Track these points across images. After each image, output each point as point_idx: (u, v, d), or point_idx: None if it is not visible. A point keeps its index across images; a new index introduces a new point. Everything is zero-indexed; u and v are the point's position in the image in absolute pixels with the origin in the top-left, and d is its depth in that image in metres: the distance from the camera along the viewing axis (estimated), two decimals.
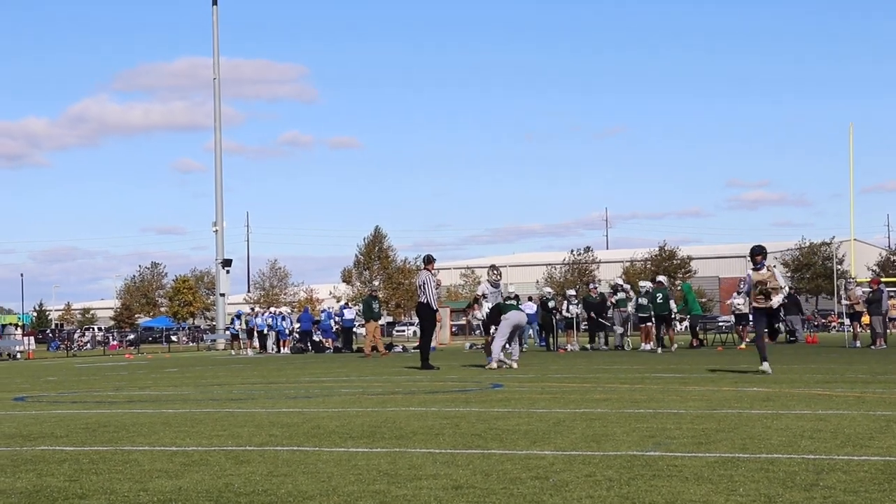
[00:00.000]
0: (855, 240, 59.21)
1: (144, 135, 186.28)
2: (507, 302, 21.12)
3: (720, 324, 42.60)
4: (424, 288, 21.42)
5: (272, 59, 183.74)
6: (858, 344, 30.53)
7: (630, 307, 32.73)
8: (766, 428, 8.37)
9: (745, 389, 12.82)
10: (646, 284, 33.74)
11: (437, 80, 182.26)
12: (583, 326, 34.20)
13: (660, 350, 29.87)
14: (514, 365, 20.37)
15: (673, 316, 31.65)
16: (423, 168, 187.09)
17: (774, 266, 17.07)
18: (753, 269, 16.92)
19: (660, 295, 31.25)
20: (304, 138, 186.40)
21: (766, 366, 16.63)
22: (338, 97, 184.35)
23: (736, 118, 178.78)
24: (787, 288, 16.89)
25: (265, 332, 43.59)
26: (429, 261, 22.02)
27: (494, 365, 20.05)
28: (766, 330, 16.95)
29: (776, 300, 16.70)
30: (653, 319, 30.92)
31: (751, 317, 31.70)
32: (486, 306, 21.36)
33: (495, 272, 21.80)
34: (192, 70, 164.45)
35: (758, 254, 16.83)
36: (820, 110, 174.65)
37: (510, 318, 20.31)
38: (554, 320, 34.58)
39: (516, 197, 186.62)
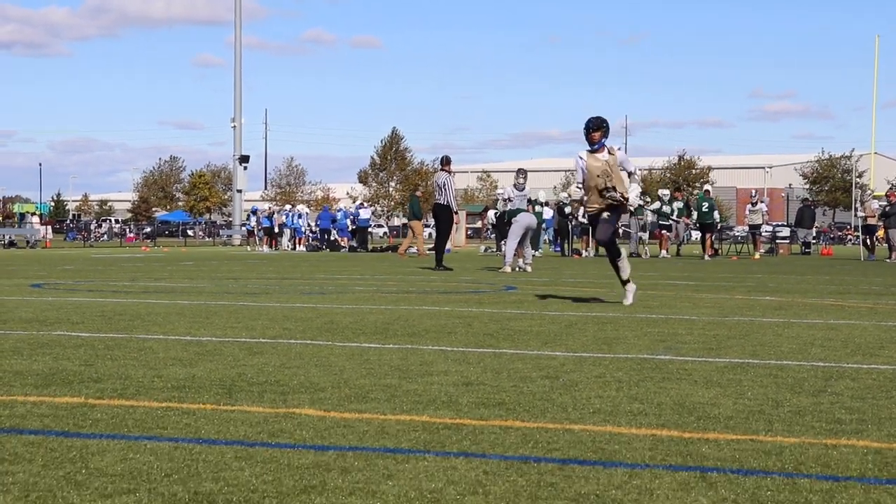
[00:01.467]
0: (876, 153, 58.71)
1: (166, 27, 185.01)
2: (520, 208, 21.08)
3: (735, 234, 42.57)
4: (445, 189, 21.34)
5: None
6: (874, 257, 30.49)
7: (649, 214, 32.69)
8: (777, 336, 8.40)
9: (758, 298, 12.85)
10: (665, 192, 33.71)
11: None
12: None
13: (706, 257, 30.20)
14: (528, 269, 20.43)
15: (716, 225, 32.01)
16: (443, 71, 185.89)
17: (619, 148, 11.94)
18: (589, 152, 11.69)
19: (706, 204, 31.50)
20: (327, 36, 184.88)
21: (629, 293, 11.75)
22: None
23: (761, 29, 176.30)
24: (637, 174, 12.15)
25: (277, 229, 43.74)
26: (446, 161, 21.87)
27: (508, 269, 20.09)
28: (607, 240, 11.77)
29: (632, 197, 11.93)
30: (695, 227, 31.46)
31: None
32: (501, 209, 21.47)
33: (521, 176, 21.66)
34: None
35: (595, 129, 11.59)
36: (846, 22, 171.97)
37: (520, 221, 20.37)
38: (570, 226, 34.58)
39: (536, 102, 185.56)
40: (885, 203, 30.78)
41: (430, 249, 33.76)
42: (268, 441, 4.38)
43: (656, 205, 32.94)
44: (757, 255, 31.57)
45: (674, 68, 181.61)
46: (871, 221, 32.01)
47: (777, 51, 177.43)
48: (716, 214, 31.93)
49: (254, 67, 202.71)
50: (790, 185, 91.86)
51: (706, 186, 34.82)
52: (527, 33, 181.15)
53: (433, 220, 22.27)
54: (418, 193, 34.71)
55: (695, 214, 32.73)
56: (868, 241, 32.38)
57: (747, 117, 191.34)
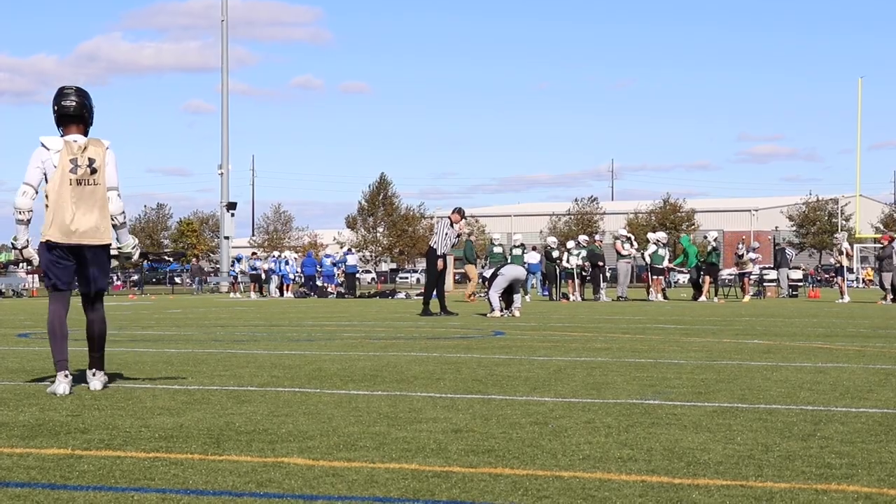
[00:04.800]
0: (861, 196, 59.11)
1: (155, 75, 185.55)
2: (513, 254, 21.24)
3: (723, 277, 42.68)
4: (436, 233, 21.47)
5: (287, 1, 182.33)
6: (847, 299, 30.58)
7: (647, 256, 32.74)
8: (766, 379, 8.40)
9: (746, 342, 12.86)
10: (660, 236, 33.88)
11: (452, 27, 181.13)
12: (587, 277, 34.23)
13: (716, 300, 30.69)
14: (517, 313, 20.43)
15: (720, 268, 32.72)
16: (432, 116, 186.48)
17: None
18: None
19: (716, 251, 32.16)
20: (315, 82, 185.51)
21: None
22: (352, 42, 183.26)
23: (748, 72, 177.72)
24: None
25: (263, 276, 43.78)
26: (454, 212, 21.97)
27: (498, 314, 20.15)
28: None
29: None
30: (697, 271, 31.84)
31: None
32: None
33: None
34: (205, 10, 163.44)
35: None
36: (831, 64, 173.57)
37: (506, 274, 20.54)
38: (557, 270, 34.60)
39: (524, 146, 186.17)
40: (880, 246, 30.95)
41: (417, 295, 33.73)
42: (256, 491, 4.35)
43: (651, 248, 32.97)
44: (746, 299, 31.62)
45: (661, 112, 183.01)
46: (844, 263, 32.29)
47: (764, 93, 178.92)
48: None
49: (242, 114, 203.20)
50: (776, 227, 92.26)
51: (713, 233, 35.47)
52: (515, 78, 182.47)
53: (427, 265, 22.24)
54: (472, 238, 34.71)
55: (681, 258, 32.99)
56: (840, 283, 32.62)
57: (735, 160, 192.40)
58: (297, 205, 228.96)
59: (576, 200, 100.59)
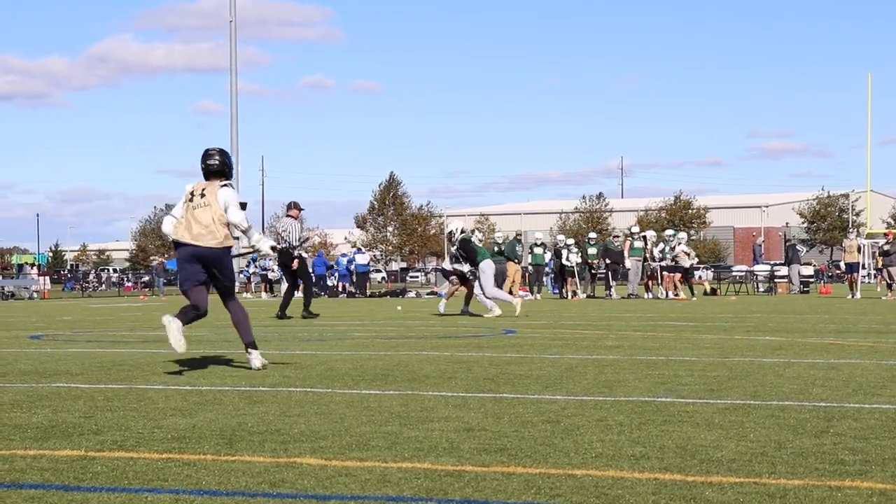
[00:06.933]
0: (872, 191, 58.94)
1: (167, 76, 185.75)
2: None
3: (734, 273, 42.58)
4: (287, 235, 20.13)
5: (299, 1, 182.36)
6: (859, 295, 30.54)
7: (657, 252, 32.49)
8: (778, 376, 8.38)
9: (758, 338, 12.83)
10: (672, 233, 33.68)
11: (461, 26, 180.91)
12: (600, 274, 34.13)
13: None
14: (498, 311, 19.84)
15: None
16: (442, 115, 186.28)
17: None
18: None
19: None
20: (327, 82, 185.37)
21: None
22: (363, 41, 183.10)
23: (758, 68, 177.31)
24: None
25: (275, 276, 43.81)
26: (291, 206, 21.01)
27: (497, 311, 19.63)
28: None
29: None
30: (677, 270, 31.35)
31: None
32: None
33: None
34: (216, 10, 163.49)
35: None
36: (842, 60, 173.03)
37: (488, 270, 19.85)
38: (566, 268, 34.52)
39: (534, 144, 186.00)
40: (885, 242, 30.91)
41: (428, 294, 33.58)
42: (269, 491, 4.36)
43: (661, 245, 32.69)
44: (682, 295, 31.23)
45: (672, 108, 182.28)
46: (850, 259, 32.17)
47: (775, 89, 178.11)
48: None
49: (252, 114, 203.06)
50: (787, 223, 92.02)
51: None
52: (524, 75, 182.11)
53: (281, 268, 21.33)
54: (520, 237, 34.57)
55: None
56: (850, 279, 32.50)
57: (746, 156, 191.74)
58: (307, 204, 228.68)
59: (583, 198, 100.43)
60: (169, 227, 9.69)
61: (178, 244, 9.50)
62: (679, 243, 31.68)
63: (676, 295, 30.48)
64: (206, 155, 9.75)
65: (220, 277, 9.61)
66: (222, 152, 9.81)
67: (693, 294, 31.05)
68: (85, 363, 10.18)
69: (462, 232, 20.23)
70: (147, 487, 4.44)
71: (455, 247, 20.24)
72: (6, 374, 9.25)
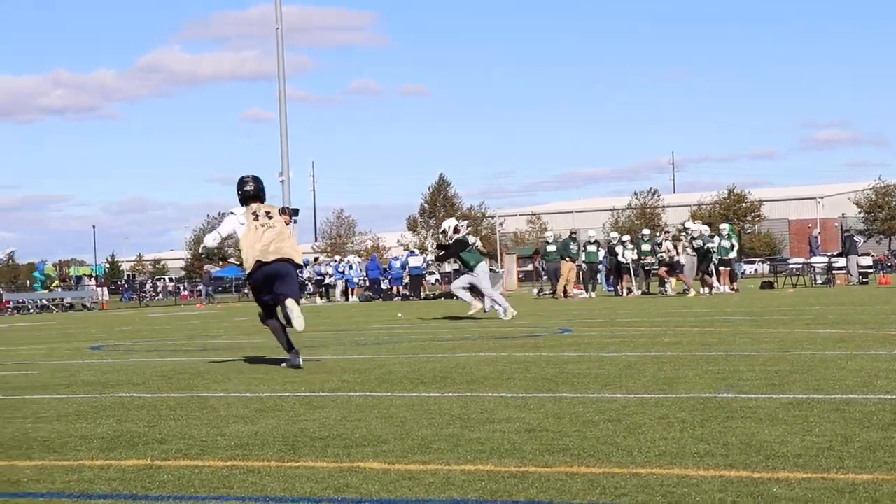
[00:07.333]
0: None
1: (215, 84, 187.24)
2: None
3: (791, 266, 42.16)
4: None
5: (344, 6, 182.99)
6: None
7: (713, 247, 32.13)
8: (841, 369, 8.28)
9: (818, 331, 12.69)
10: (725, 227, 33.35)
11: (508, 25, 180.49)
12: (653, 271, 33.83)
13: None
14: (479, 307, 19.63)
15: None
16: (489, 115, 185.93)
17: None
18: None
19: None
20: (374, 86, 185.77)
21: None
22: (409, 45, 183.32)
23: (809, 57, 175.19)
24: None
25: (330, 281, 44.10)
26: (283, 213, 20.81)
27: (479, 306, 19.24)
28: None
29: None
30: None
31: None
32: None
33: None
34: (263, 18, 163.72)
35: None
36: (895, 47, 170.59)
37: (482, 273, 19.45)
38: (621, 266, 34.32)
39: (583, 142, 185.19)
40: None
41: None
42: (334, 496, 4.38)
43: (716, 240, 32.31)
44: (671, 289, 30.81)
45: (723, 101, 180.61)
46: None
47: (827, 78, 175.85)
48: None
49: (301, 120, 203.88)
50: (843, 214, 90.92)
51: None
52: (570, 73, 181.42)
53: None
54: (575, 236, 34.38)
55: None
56: None
57: (799, 147, 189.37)
58: (358, 208, 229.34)
59: (635, 194, 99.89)
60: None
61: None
62: (667, 239, 31.15)
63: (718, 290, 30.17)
64: (243, 182, 10.84)
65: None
66: (256, 178, 10.98)
67: (710, 289, 30.52)
68: (146, 373, 10.29)
69: (456, 231, 19.81)
70: (213, 495, 4.47)
71: (441, 245, 20.06)
72: (70, 385, 9.38)
